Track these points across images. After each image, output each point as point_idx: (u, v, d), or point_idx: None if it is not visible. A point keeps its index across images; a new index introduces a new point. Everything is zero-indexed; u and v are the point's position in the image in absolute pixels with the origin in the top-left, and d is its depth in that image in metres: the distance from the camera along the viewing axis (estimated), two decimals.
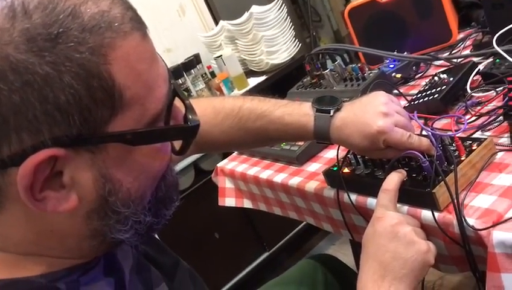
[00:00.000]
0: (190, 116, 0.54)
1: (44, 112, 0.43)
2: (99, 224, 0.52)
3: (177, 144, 0.57)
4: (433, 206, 0.71)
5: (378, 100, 0.77)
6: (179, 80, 2.17)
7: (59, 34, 0.43)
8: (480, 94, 0.95)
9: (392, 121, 0.74)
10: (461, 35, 1.34)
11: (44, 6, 0.43)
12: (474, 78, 1.00)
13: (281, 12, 2.16)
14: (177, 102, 0.55)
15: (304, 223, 2.21)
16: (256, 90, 2.17)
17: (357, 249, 1.48)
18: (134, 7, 0.50)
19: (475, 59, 1.10)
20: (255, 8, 2.12)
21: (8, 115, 0.43)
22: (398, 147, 0.74)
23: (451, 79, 1.01)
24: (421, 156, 0.72)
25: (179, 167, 1.92)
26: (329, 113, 0.78)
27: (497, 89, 0.91)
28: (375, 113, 0.74)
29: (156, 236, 0.67)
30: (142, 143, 0.50)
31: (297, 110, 0.83)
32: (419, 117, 0.97)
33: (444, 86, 0.99)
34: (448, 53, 1.27)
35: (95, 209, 0.51)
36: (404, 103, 1.09)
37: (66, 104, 0.44)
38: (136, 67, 0.48)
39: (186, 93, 2.17)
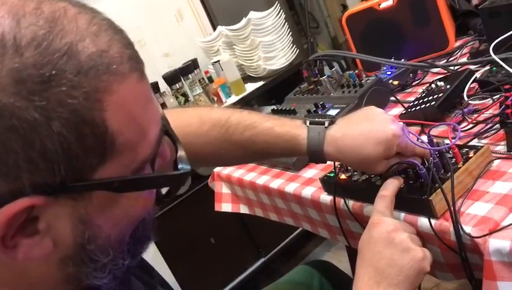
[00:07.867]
0: (180, 165, 0.50)
1: (27, 160, 0.39)
2: (74, 270, 0.48)
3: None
4: (430, 213, 0.71)
5: (377, 110, 0.77)
6: (177, 85, 2.17)
7: (52, 76, 0.39)
8: (477, 102, 0.95)
9: (400, 126, 0.74)
10: (458, 43, 1.35)
11: (38, 43, 0.39)
12: (471, 86, 1.01)
13: (278, 18, 2.17)
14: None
15: (300, 229, 2.21)
16: (254, 96, 2.17)
17: (353, 255, 1.47)
18: (132, 42, 0.47)
19: (472, 67, 1.11)
20: (253, 14, 2.12)
21: None
22: (406, 151, 0.74)
23: (448, 86, 1.01)
24: (418, 164, 0.72)
25: None
26: (324, 124, 0.77)
27: (494, 97, 0.92)
28: (383, 120, 0.74)
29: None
30: (129, 190, 0.47)
31: (288, 122, 0.81)
32: (415, 124, 0.98)
33: (441, 94, 0.99)
34: (445, 61, 1.28)
35: (70, 255, 0.47)
36: (401, 109, 1.09)
37: (53, 152, 0.40)
38: (131, 111, 0.45)
39: (183, 98, 2.17)
